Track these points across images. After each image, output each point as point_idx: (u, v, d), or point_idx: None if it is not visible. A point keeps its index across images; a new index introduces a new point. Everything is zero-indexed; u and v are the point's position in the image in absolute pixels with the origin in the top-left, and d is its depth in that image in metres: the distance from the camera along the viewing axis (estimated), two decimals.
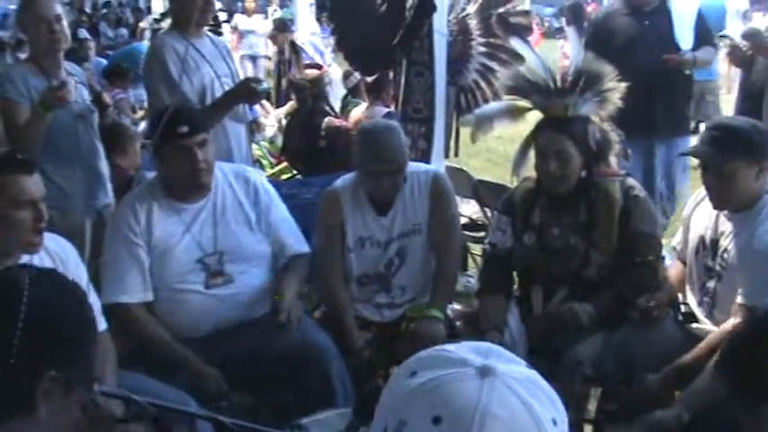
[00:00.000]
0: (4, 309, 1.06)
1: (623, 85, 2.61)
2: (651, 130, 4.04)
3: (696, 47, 4.10)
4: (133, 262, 2.49)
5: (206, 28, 3.33)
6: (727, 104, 6.56)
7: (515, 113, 2.79)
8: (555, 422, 0.84)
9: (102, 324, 2.22)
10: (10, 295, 1.06)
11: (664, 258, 2.73)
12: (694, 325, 2.52)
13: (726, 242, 2.42)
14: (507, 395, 0.83)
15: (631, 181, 2.64)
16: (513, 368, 0.86)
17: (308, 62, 6.44)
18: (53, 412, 1.07)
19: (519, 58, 3.41)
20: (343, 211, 2.78)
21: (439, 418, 0.82)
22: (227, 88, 3.21)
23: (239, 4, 15.34)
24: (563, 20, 12.40)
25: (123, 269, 2.49)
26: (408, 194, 2.78)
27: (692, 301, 2.57)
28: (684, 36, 4.03)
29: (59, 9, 3.18)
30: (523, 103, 2.73)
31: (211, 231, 2.56)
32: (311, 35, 8.35)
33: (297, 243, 2.73)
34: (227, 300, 2.54)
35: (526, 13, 3.57)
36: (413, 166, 2.85)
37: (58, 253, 2.17)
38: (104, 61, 8.34)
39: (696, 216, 2.58)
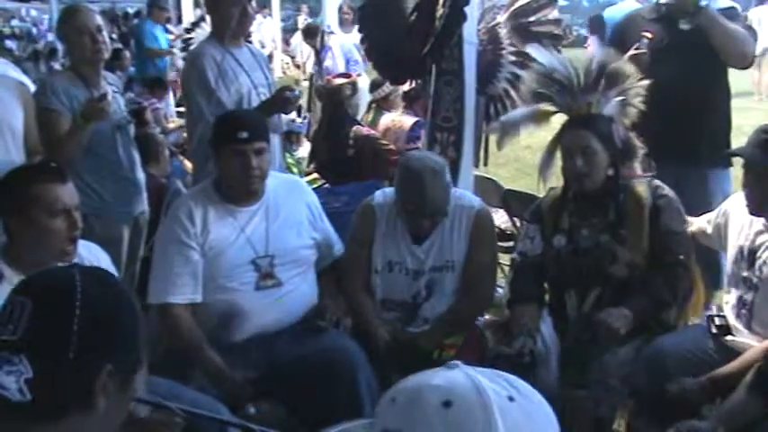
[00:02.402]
0: (61, 304, 1.09)
1: (646, 82, 2.60)
2: (676, 156, 3.25)
3: None
4: (185, 263, 2.52)
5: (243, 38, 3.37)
6: (760, 113, 6.44)
7: (540, 118, 2.80)
8: (511, 399, 0.87)
9: None
10: (65, 291, 1.09)
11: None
12: (729, 338, 2.49)
13: (765, 254, 2.40)
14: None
15: (659, 182, 2.63)
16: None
17: (334, 73, 6.45)
18: (111, 406, 1.10)
19: None
20: (376, 229, 2.76)
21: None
22: (263, 98, 3.24)
23: (265, 9, 15.43)
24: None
25: (174, 270, 2.52)
26: (448, 229, 2.73)
27: (729, 313, 2.53)
28: None
29: (100, 20, 3.23)
30: (547, 106, 2.73)
31: (264, 234, 2.60)
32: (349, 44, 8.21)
33: (338, 248, 2.83)
34: (274, 302, 2.58)
35: (557, 21, 3.54)
36: (457, 195, 2.78)
37: (90, 261, 2.20)
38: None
39: (735, 220, 2.55)
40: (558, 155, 2.66)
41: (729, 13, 3.32)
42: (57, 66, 10.30)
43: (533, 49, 3.13)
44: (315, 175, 4.90)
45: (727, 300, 2.56)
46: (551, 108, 2.72)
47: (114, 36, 12.94)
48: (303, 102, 6.40)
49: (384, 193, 2.82)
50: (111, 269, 2.27)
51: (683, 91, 3.25)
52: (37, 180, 2.06)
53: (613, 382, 2.46)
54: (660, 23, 3.39)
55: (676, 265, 2.54)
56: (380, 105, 5.20)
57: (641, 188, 2.58)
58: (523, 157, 6.89)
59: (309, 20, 13.92)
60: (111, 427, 1.15)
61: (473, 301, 2.79)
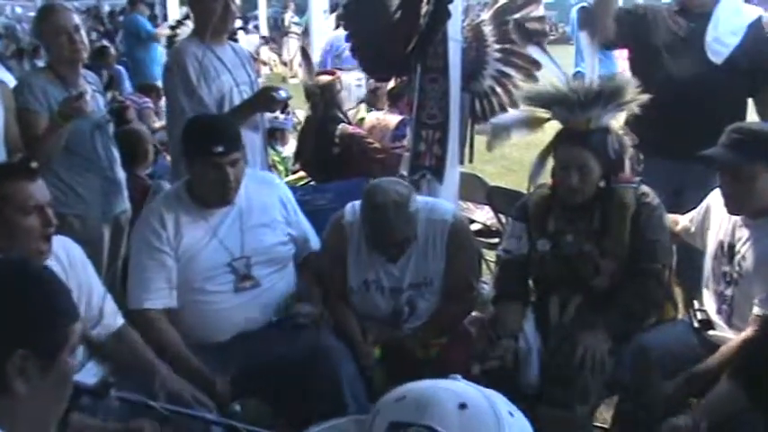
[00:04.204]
0: None
1: (645, 96, 2.57)
2: (667, 153, 3.08)
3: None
4: (158, 268, 2.51)
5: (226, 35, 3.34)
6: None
7: (533, 123, 2.77)
8: (512, 414, 0.94)
9: (119, 319, 2.35)
10: None
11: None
12: (711, 332, 2.50)
13: (743, 248, 2.41)
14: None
15: (645, 188, 2.61)
16: None
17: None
18: (34, 390, 1.11)
19: (535, 64, 3.41)
20: (348, 247, 2.74)
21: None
22: (245, 96, 3.22)
23: (256, 12, 15.36)
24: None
25: (148, 275, 2.52)
26: (422, 245, 2.70)
27: (710, 307, 2.55)
28: (721, 43, 3.14)
29: (77, 19, 3.20)
30: (542, 113, 2.70)
31: (238, 236, 2.59)
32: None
33: (314, 241, 2.82)
34: (254, 303, 2.58)
35: (541, 18, 3.54)
36: (429, 207, 2.73)
37: (65, 255, 2.20)
38: (123, 69, 8.43)
39: (715, 215, 2.55)
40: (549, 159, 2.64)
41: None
42: (41, 64, 10.22)
43: (535, 52, 3.11)
44: (301, 173, 4.89)
45: (708, 295, 2.57)
46: (546, 115, 2.68)
47: (100, 32, 12.86)
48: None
49: (354, 209, 2.76)
50: (85, 262, 2.29)
51: (700, 87, 3.11)
52: (7, 178, 2.05)
53: (594, 401, 2.48)
54: (677, 16, 3.27)
55: (650, 275, 2.52)
56: (370, 102, 5.19)
57: (627, 195, 2.55)
58: (509, 154, 6.90)
59: (296, 17, 13.84)
60: (49, 409, 1.16)
61: (457, 307, 2.79)
